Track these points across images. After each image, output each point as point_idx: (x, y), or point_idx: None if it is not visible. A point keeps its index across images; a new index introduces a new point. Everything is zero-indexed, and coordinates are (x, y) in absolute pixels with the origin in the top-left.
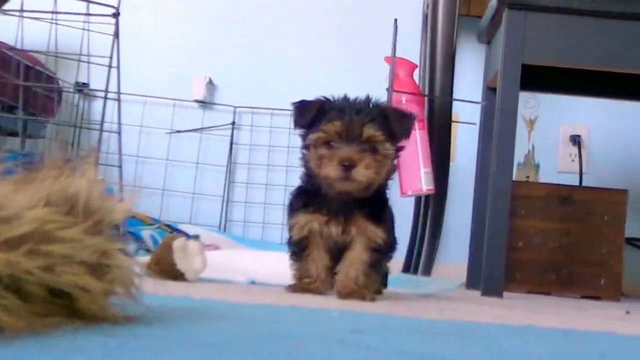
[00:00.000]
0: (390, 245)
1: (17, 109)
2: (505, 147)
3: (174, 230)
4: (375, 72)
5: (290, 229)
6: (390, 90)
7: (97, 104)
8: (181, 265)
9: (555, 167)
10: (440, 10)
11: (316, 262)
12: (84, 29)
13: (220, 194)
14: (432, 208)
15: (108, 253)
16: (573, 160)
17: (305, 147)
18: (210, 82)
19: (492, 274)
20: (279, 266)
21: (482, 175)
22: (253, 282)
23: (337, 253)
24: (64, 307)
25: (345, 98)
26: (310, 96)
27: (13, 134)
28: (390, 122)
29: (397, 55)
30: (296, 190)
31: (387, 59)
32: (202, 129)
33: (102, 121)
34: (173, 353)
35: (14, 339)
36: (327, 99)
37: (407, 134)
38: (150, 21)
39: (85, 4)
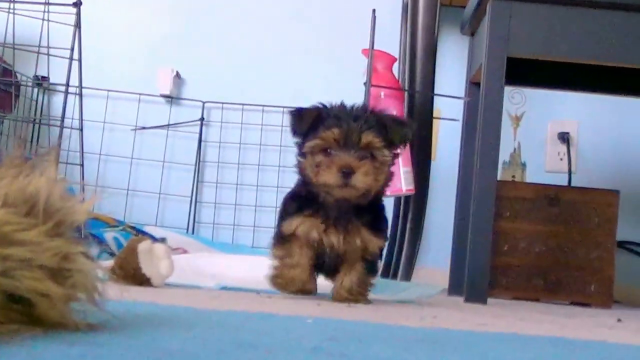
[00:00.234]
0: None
1: None
2: (490, 145)
3: (139, 232)
4: (352, 65)
5: (282, 225)
6: (368, 84)
7: (58, 99)
8: (147, 269)
9: (543, 166)
10: (421, 0)
11: (300, 249)
12: (43, 19)
13: (188, 194)
14: (412, 209)
15: (69, 256)
16: (561, 159)
17: (301, 154)
18: (178, 75)
19: (475, 279)
20: (250, 271)
21: (465, 175)
22: (223, 288)
23: (330, 259)
24: (22, 314)
25: (342, 105)
26: (283, 91)
27: None
28: (387, 130)
29: (376, 47)
30: (290, 195)
31: (364, 51)
32: (168, 125)
33: (63, 117)
34: None
35: None
36: (324, 106)
37: (404, 140)
38: (114, 11)
39: None
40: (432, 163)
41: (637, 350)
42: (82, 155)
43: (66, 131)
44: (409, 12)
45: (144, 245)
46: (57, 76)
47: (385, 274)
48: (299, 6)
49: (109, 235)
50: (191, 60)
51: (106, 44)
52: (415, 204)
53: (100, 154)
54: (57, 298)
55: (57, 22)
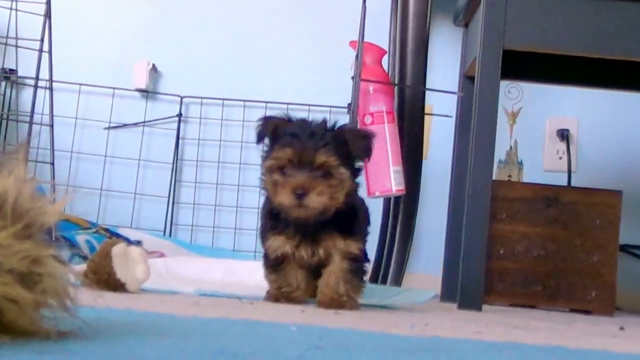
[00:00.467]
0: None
1: None
2: (485, 143)
3: (113, 235)
4: (339, 58)
5: (266, 248)
6: (357, 78)
7: (27, 93)
8: (121, 274)
9: (541, 165)
10: None
11: (296, 272)
12: (11, 9)
13: (165, 195)
14: (402, 211)
15: (39, 260)
16: (561, 158)
17: (262, 172)
18: (154, 68)
19: (469, 284)
20: (231, 276)
21: (458, 174)
22: (202, 294)
23: (314, 268)
24: None
25: (302, 121)
26: (265, 85)
27: None
28: (348, 144)
29: (365, 39)
30: (264, 210)
31: (352, 43)
32: (144, 121)
33: (32, 112)
34: None
35: None
36: (285, 120)
37: (367, 154)
38: (86, 0)
39: None
40: (424, 162)
41: None
42: (53, 153)
43: (36, 127)
44: (399, 2)
45: (118, 249)
46: (25, 69)
47: (374, 280)
48: None
49: (81, 238)
50: (168, 52)
51: (78, 35)
52: (406, 205)
53: (71, 152)
54: (26, 304)
55: (26, 12)
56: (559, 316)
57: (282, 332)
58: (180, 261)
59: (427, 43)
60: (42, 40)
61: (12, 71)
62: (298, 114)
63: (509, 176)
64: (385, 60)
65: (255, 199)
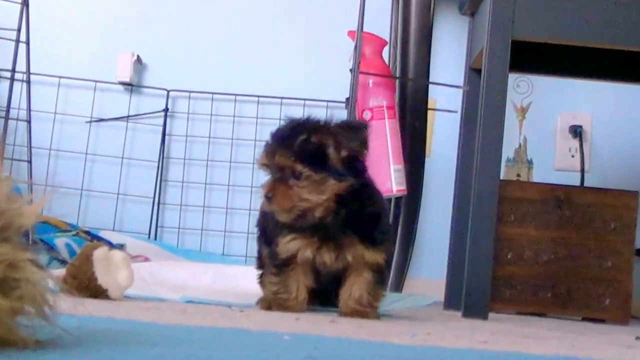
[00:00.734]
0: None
1: None
2: (492, 140)
3: (94, 237)
4: (337, 49)
5: (277, 245)
6: (355, 71)
7: (2, 87)
8: (103, 280)
9: (552, 164)
10: None
11: (299, 279)
12: None
13: (150, 195)
14: (403, 212)
15: (16, 265)
16: (573, 156)
17: None
18: (139, 60)
19: (474, 291)
20: (221, 282)
21: (463, 174)
22: (189, 301)
23: (326, 276)
24: None
25: (285, 123)
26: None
27: None
28: (340, 140)
29: (364, 29)
30: None
31: (351, 33)
32: (128, 117)
33: (8, 107)
34: None
35: None
36: (286, 121)
37: (363, 146)
38: None
39: None
40: (427, 160)
41: None
42: (30, 150)
43: (12, 123)
44: None
45: (99, 253)
46: (1, 61)
47: None
48: None
49: (60, 241)
50: (154, 42)
51: (57, 24)
52: (407, 206)
53: (50, 149)
54: (2, 311)
55: (1, 0)
56: (570, 325)
57: (274, 341)
58: (166, 266)
59: (431, 33)
60: (19, 30)
61: None
62: (293, 109)
63: (518, 175)
64: (385, 52)
65: (246, 200)
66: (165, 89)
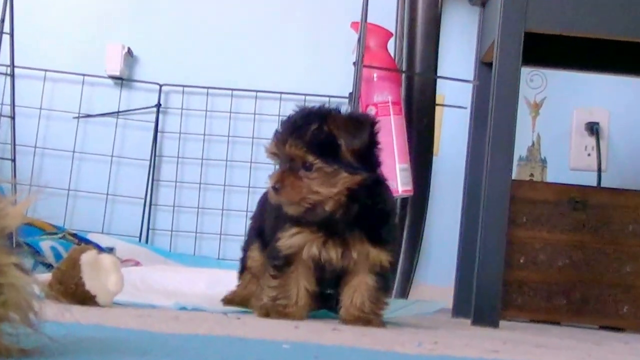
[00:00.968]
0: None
1: None
2: (504, 138)
3: (82, 241)
4: (340, 41)
5: (278, 240)
6: (359, 64)
7: None
8: (91, 285)
9: (567, 163)
10: None
11: (299, 282)
12: None
13: (141, 196)
14: (409, 214)
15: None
16: (589, 155)
17: None
18: (129, 52)
19: (485, 297)
20: (216, 287)
21: (473, 173)
22: (183, 308)
23: (330, 274)
24: None
25: (296, 112)
26: (255, 72)
27: None
28: (341, 134)
29: (368, 20)
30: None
31: (354, 25)
32: (118, 112)
33: None
34: None
35: None
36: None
37: (366, 141)
38: None
39: None
40: (434, 159)
41: None
42: (14, 148)
43: None
44: None
45: (87, 257)
46: None
47: None
48: None
49: (46, 244)
50: (146, 34)
51: (43, 15)
52: (414, 208)
53: (35, 147)
54: None
55: None
56: (586, 334)
57: (272, 350)
58: (158, 271)
59: (439, 25)
60: (2, 21)
61: None
62: (292, 104)
63: (531, 175)
64: (391, 44)
65: (243, 201)
66: (158, 83)
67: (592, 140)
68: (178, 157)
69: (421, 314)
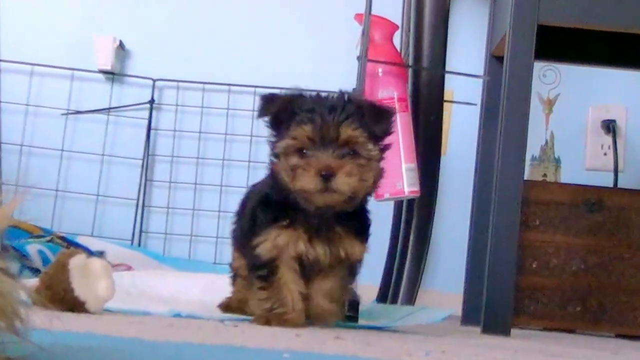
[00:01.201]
0: None
1: None
2: (515, 136)
3: (70, 244)
4: (343, 35)
5: (256, 246)
6: (363, 59)
7: None
8: (80, 291)
9: (582, 163)
10: None
11: (290, 287)
12: None
13: (133, 197)
14: (416, 216)
15: None
16: (605, 154)
17: (275, 155)
18: (121, 46)
19: (495, 304)
20: (211, 293)
21: (483, 173)
22: (177, 315)
23: (309, 273)
24: None
25: (317, 95)
26: (253, 67)
27: None
28: (370, 122)
29: (373, 12)
30: (260, 200)
31: (358, 17)
32: (109, 108)
33: None
34: None
35: None
36: (299, 95)
37: (386, 133)
38: None
39: None
40: (443, 158)
41: None
42: None
43: None
44: None
45: (77, 261)
46: None
47: (382, 298)
48: None
49: (33, 247)
50: (138, 26)
51: (30, 6)
52: (421, 210)
53: (21, 145)
54: None
55: None
56: (602, 343)
57: (272, 359)
58: (151, 276)
59: (448, 17)
60: None
61: None
62: None
63: (544, 175)
64: (397, 37)
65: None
66: (151, 78)
67: (608, 139)
68: (172, 156)
69: (428, 322)
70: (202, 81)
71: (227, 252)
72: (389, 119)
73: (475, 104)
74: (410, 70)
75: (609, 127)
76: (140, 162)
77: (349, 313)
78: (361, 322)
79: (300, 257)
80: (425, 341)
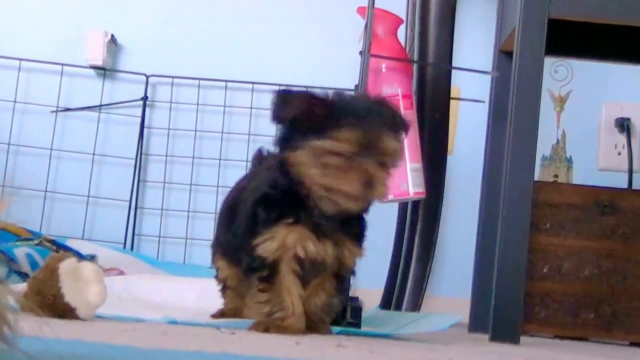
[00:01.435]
0: None
1: None
2: (525, 135)
3: (60, 247)
4: (345, 29)
5: (258, 245)
6: (366, 54)
7: None
8: (71, 296)
9: (595, 163)
10: None
11: (290, 290)
12: None
13: (126, 198)
14: (422, 219)
15: None
16: (619, 154)
17: (291, 147)
18: (113, 40)
19: (504, 310)
20: (208, 299)
21: (492, 174)
22: (172, 322)
23: (308, 277)
24: None
25: (354, 97)
26: (252, 62)
27: None
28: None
29: (376, 5)
30: (260, 199)
31: (360, 10)
32: (101, 105)
33: None
34: None
35: None
36: (339, 97)
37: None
38: None
39: None
40: (449, 158)
41: None
42: None
43: None
44: None
45: (67, 265)
46: None
47: (386, 304)
48: None
49: (21, 251)
50: (131, 20)
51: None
52: (426, 212)
53: (9, 144)
54: None
55: None
56: (616, 351)
57: None
58: (145, 280)
59: (454, 10)
60: None
61: None
62: None
63: (555, 176)
64: (401, 32)
65: None
66: (144, 74)
67: (622, 138)
68: (166, 155)
69: (434, 329)
70: (198, 77)
71: None
72: (405, 132)
73: (483, 102)
74: (415, 66)
75: (623, 125)
76: (133, 161)
77: (351, 320)
78: (364, 329)
79: (301, 259)
80: (431, 350)
